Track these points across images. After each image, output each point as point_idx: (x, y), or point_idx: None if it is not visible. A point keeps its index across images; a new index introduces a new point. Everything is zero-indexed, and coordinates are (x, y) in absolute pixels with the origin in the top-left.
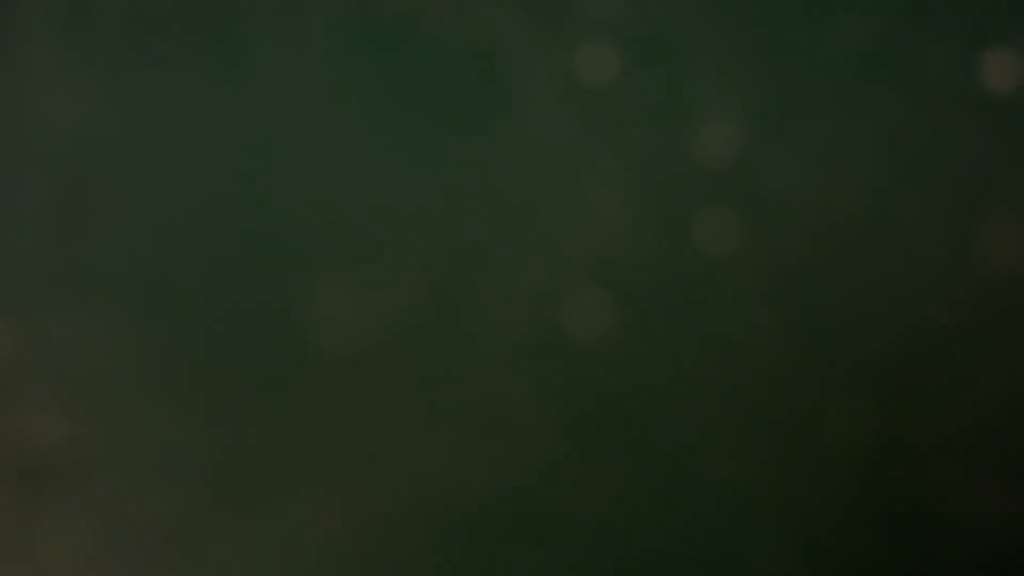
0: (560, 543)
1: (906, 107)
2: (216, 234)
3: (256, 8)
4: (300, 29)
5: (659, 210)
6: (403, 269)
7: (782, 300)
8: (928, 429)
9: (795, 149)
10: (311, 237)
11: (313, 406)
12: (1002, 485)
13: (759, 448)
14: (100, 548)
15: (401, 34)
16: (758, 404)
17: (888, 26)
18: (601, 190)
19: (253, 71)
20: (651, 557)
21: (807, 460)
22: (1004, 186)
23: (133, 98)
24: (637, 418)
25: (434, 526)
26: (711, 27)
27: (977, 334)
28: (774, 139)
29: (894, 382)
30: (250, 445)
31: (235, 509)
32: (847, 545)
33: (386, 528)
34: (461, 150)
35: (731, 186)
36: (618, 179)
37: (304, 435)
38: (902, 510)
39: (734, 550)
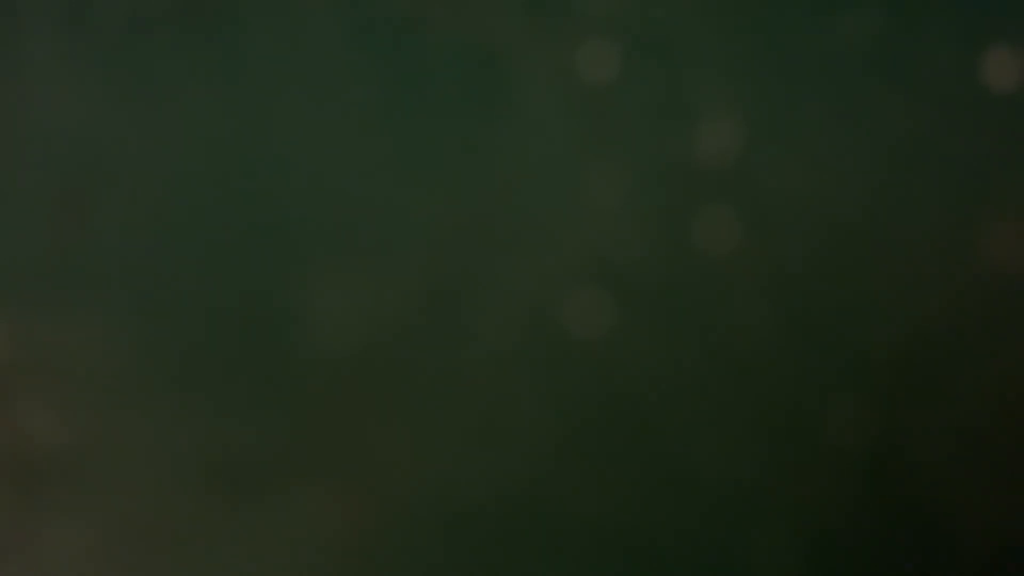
0: (561, 542)
1: (906, 106)
2: (215, 233)
3: (256, 8)
4: (300, 29)
5: (659, 210)
6: (403, 268)
7: (782, 299)
8: (928, 429)
9: (795, 149)
10: (310, 237)
11: (313, 406)
12: (1002, 485)
13: (759, 447)
14: (99, 546)
15: (401, 34)
16: (758, 403)
17: (888, 26)
18: (601, 189)
19: (253, 71)
20: (651, 556)
21: (807, 460)
22: (1004, 186)
23: (133, 98)
24: (637, 417)
25: (434, 526)
26: (711, 27)
27: (977, 334)
28: (774, 139)
29: (894, 382)
30: (249, 444)
31: (234, 508)
32: (847, 544)
33: (386, 527)
34: (461, 150)
35: (731, 186)
36: (618, 178)
37: (304, 434)
38: (902, 510)
39: (735, 549)
